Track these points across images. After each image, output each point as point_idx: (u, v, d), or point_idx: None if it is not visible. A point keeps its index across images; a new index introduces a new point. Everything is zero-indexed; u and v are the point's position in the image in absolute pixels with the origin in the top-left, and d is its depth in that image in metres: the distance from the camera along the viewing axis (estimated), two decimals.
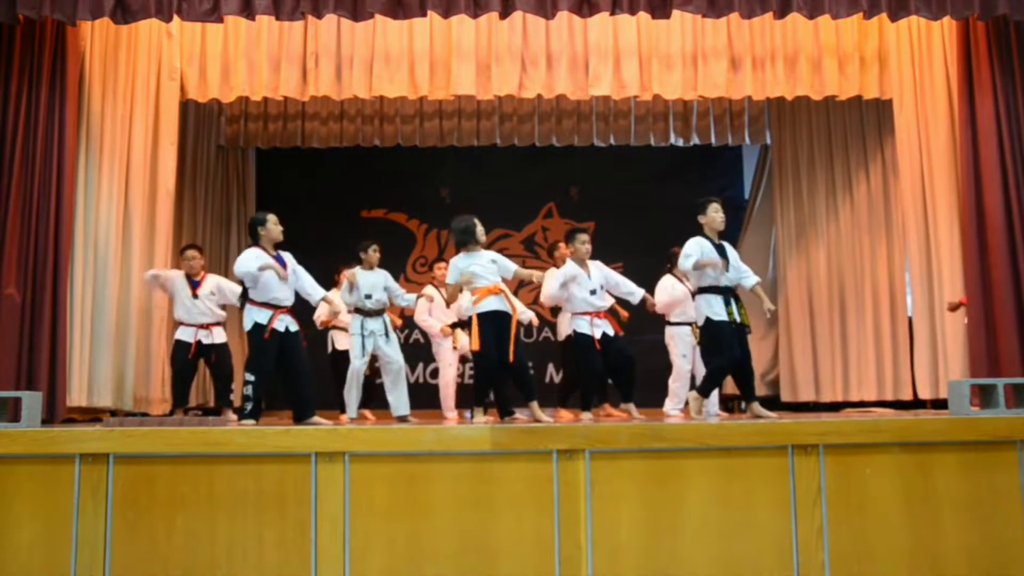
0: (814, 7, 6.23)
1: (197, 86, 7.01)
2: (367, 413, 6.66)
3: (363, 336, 5.85)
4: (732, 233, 8.60)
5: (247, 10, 6.06)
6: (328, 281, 7.08)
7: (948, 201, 6.82)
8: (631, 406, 5.97)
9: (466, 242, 5.31)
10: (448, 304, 6.77)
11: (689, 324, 6.36)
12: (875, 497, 3.77)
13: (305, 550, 3.65)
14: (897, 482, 3.79)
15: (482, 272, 5.21)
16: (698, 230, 5.36)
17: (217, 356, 6.65)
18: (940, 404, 6.87)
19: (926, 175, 6.92)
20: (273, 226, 5.38)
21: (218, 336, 6.68)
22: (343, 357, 6.65)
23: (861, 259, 8.27)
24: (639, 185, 9.33)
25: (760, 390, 7.95)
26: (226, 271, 7.60)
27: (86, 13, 5.89)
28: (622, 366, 5.93)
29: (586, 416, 5.65)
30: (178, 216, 7.66)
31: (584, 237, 5.89)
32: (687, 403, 5.84)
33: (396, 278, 6.22)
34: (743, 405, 6.19)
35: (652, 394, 6.70)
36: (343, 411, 6.00)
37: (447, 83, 6.95)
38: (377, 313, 5.93)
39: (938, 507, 3.78)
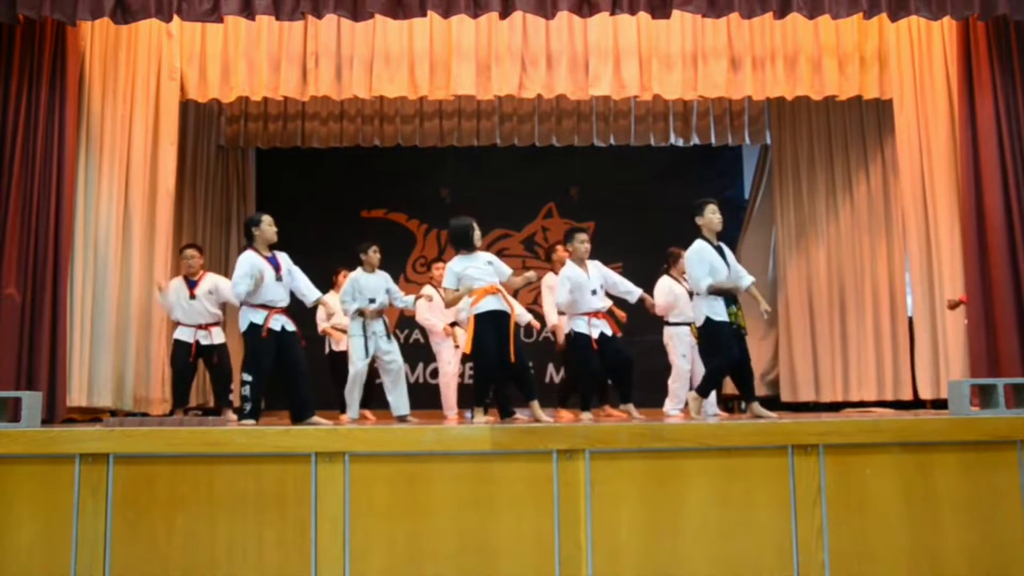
0: (814, 7, 6.22)
1: (197, 86, 7.01)
2: (367, 413, 6.66)
3: (365, 337, 5.87)
4: (732, 233, 8.62)
5: (247, 10, 6.07)
6: (327, 281, 7.10)
7: (948, 201, 6.82)
8: (630, 406, 5.98)
9: (463, 245, 5.32)
10: (447, 306, 6.77)
11: (688, 324, 6.36)
12: (875, 497, 3.77)
13: (305, 550, 3.65)
14: (897, 482, 3.79)
15: (479, 275, 5.23)
16: (696, 231, 5.36)
17: (219, 357, 6.66)
18: (940, 404, 6.86)
19: (926, 175, 6.91)
20: (268, 227, 5.37)
21: (217, 336, 6.68)
22: (341, 358, 6.66)
23: (861, 259, 8.26)
24: (639, 185, 9.31)
25: (760, 390, 7.95)
26: (226, 271, 7.59)
27: (86, 13, 5.89)
28: (620, 366, 5.94)
29: (586, 416, 5.65)
30: (178, 216, 7.65)
31: (583, 236, 5.90)
32: (687, 403, 5.84)
33: (396, 278, 6.23)
34: (743, 405, 6.19)
35: (652, 394, 6.71)
36: (343, 411, 6.01)
37: (447, 83, 6.94)
38: (378, 315, 5.95)
39: (938, 507, 3.78)
